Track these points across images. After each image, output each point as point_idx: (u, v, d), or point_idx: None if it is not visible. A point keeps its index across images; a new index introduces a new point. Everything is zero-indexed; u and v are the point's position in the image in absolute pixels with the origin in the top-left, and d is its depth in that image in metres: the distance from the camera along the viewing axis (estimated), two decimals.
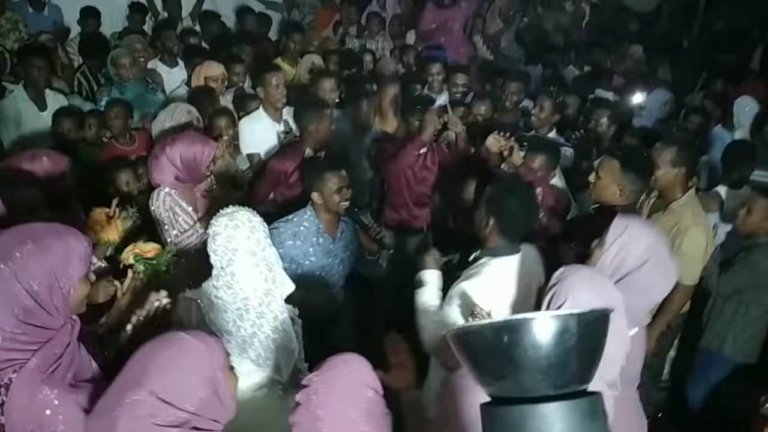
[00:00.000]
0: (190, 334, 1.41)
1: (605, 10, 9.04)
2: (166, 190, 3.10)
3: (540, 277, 2.45)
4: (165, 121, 3.90)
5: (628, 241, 2.17)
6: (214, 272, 2.22)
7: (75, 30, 6.02)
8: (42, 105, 4.40)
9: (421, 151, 3.80)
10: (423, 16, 6.85)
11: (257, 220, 2.26)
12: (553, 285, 1.87)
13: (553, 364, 0.71)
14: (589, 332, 0.73)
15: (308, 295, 2.53)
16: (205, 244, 2.31)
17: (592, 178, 2.97)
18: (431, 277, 2.49)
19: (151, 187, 3.20)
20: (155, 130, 3.93)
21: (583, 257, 2.31)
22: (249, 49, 5.32)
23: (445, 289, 2.46)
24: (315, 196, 3.03)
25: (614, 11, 9.06)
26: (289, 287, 2.35)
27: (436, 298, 2.45)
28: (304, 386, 1.47)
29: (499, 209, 2.38)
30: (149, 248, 2.54)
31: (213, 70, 4.64)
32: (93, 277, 1.71)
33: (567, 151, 4.00)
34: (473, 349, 0.76)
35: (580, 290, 1.83)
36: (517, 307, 2.34)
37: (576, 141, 4.39)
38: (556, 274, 1.92)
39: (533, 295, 2.37)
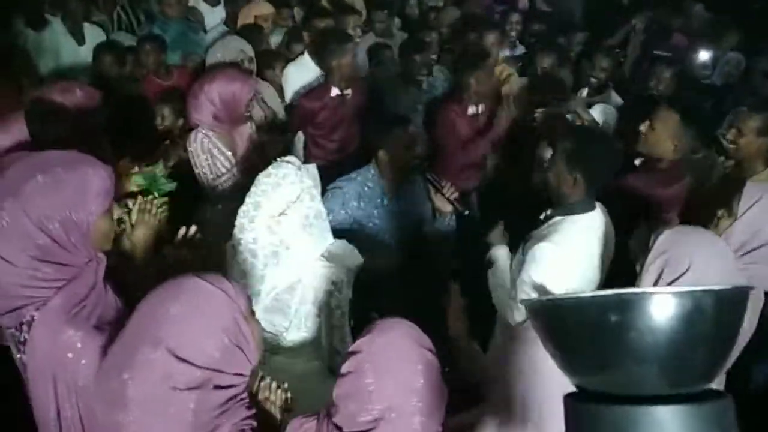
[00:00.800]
0: (205, 278, 1.25)
1: None
2: (204, 131, 2.98)
3: (612, 238, 2.28)
4: (216, 53, 3.82)
5: (763, 210, 2.00)
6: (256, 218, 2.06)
7: None
8: (80, 39, 4.30)
9: (473, 111, 3.57)
10: None
11: (311, 174, 2.12)
12: (664, 250, 1.72)
13: (676, 355, 0.53)
14: (725, 315, 0.55)
15: (372, 262, 2.34)
16: (240, 189, 2.17)
17: (643, 128, 2.73)
18: (502, 253, 2.36)
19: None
20: (208, 63, 3.86)
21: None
22: None
23: None
24: (381, 153, 2.80)
25: None
26: (352, 259, 2.17)
27: (509, 275, 2.31)
28: (352, 353, 1.34)
29: (586, 161, 2.17)
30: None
31: (263, 8, 4.59)
32: (116, 211, 1.59)
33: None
34: (564, 329, 0.58)
35: (705, 257, 1.69)
36: (602, 269, 2.19)
37: (632, 100, 4.11)
38: (664, 237, 1.77)
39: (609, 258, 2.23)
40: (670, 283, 1.70)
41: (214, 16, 5.08)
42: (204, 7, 5.12)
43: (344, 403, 1.29)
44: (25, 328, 1.39)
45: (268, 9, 4.59)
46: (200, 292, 1.22)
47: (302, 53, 4.12)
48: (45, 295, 1.39)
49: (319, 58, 3.76)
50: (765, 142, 2.88)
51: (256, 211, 1.83)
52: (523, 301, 0.66)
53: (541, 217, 2.27)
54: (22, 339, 1.40)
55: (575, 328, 0.58)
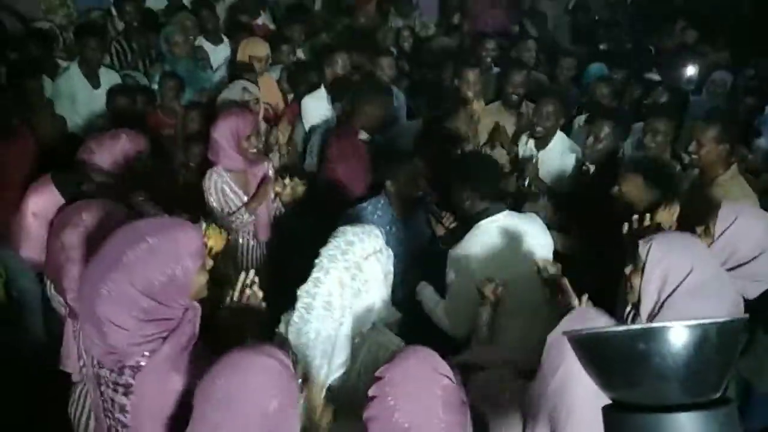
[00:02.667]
0: (261, 353, 1.38)
1: None
2: (218, 170, 3.17)
3: (543, 242, 2.69)
4: (225, 98, 3.99)
5: (739, 231, 2.17)
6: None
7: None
8: (96, 82, 4.48)
9: None
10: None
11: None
12: (661, 258, 1.89)
13: (691, 373, 0.70)
14: (727, 340, 0.72)
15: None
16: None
17: (614, 192, 2.91)
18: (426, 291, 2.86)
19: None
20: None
21: None
22: (298, 27, 5.33)
23: None
24: (388, 184, 3.04)
25: None
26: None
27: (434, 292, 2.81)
28: (378, 378, 1.46)
29: (465, 177, 2.72)
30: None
31: (258, 49, 4.65)
32: (210, 262, 1.70)
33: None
34: (601, 356, 0.75)
35: (702, 258, 1.89)
36: (511, 267, 2.51)
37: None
38: (656, 245, 1.93)
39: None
40: (677, 287, 1.87)
41: (218, 55, 5.28)
42: (208, 46, 5.33)
43: (372, 425, 1.42)
44: (128, 371, 1.53)
45: (263, 49, 4.65)
46: (256, 368, 1.35)
47: (318, 86, 4.22)
48: (152, 348, 1.54)
49: (348, 101, 3.76)
50: (723, 148, 3.07)
51: (331, 264, 1.92)
52: (565, 333, 0.81)
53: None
54: (122, 382, 1.54)
55: (611, 355, 0.74)
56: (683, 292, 1.89)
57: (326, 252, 1.92)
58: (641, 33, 7.03)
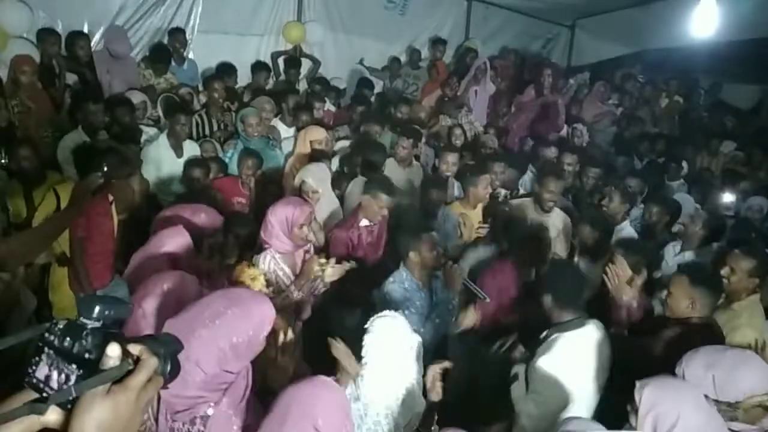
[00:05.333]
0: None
1: (701, 104, 9.15)
2: (271, 252, 3.39)
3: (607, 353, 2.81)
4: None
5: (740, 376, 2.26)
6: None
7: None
8: (179, 152, 5.03)
9: None
10: (523, 99, 7.22)
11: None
12: (653, 405, 2.04)
13: None
14: None
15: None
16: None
17: (663, 295, 3.14)
18: (520, 370, 2.96)
19: None
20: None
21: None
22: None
23: None
24: (412, 255, 3.44)
25: (710, 106, 9.17)
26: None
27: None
28: None
29: (552, 286, 2.90)
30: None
31: (317, 134, 5.17)
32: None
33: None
34: None
35: (691, 409, 2.02)
36: (597, 378, 2.68)
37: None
38: (649, 392, 2.07)
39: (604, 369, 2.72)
40: None
41: (291, 136, 5.79)
42: (282, 128, 5.89)
43: None
44: (198, 421, 1.87)
45: (321, 134, 5.15)
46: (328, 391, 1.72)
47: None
48: (216, 399, 1.87)
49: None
50: (752, 282, 3.30)
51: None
52: None
53: (541, 337, 2.90)
54: (195, 430, 1.88)
55: None
56: None
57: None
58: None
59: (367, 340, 2.48)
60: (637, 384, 2.13)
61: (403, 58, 8.12)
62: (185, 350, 1.83)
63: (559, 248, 4.35)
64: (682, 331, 2.89)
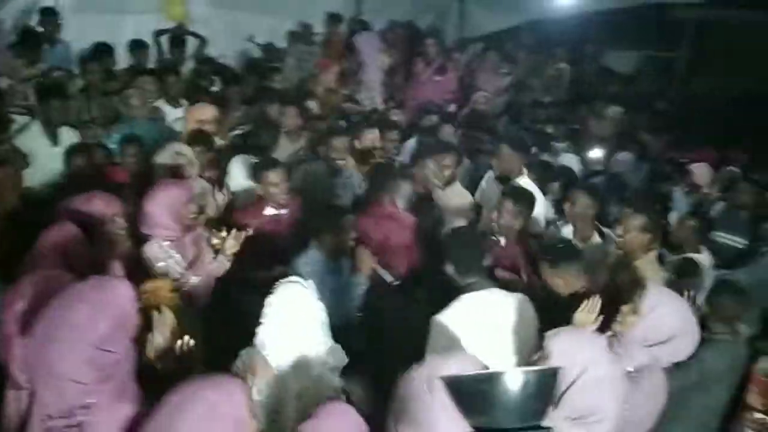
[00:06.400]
0: (214, 387, 1.59)
1: (587, 71, 9.56)
2: (157, 241, 3.23)
3: (528, 322, 2.83)
4: (158, 161, 4.15)
5: (662, 315, 2.54)
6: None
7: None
8: (55, 140, 4.68)
9: None
10: (415, 71, 7.24)
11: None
12: (565, 352, 2.10)
13: (520, 406, 1.00)
14: (545, 382, 1.03)
15: None
16: None
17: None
18: None
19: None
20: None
21: None
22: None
23: None
24: (323, 235, 3.44)
25: (595, 72, 9.60)
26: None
27: None
28: None
29: (451, 254, 2.96)
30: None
31: (204, 112, 4.91)
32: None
33: None
34: (460, 393, 1.05)
35: (593, 357, 2.14)
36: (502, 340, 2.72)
37: None
38: (556, 339, 2.17)
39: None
40: (571, 384, 1.99)
41: (175, 117, 5.52)
42: (167, 109, 5.60)
43: None
44: (78, 411, 1.74)
45: (208, 112, 4.88)
46: (209, 400, 1.56)
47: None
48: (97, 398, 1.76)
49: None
50: (646, 237, 3.50)
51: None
52: (442, 378, 1.12)
53: None
54: (74, 422, 1.74)
55: (466, 392, 1.04)
56: (577, 389, 2.05)
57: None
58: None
59: (269, 301, 2.45)
60: (547, 334, 2.21)
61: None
62: (53, 366, 1.72)
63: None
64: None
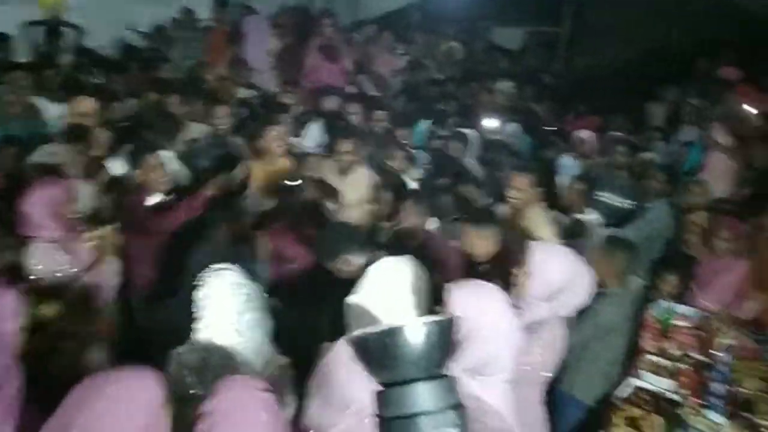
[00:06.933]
0: (129, 374, 1.49)
1: (477, 48, 9.86)
2: (40, 243, 3.04)
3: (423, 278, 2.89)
4: (34, 161, 3.91)
5: (551, 270, 2.67)
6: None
7: None
8: None
9: None
10: (308, 54, 7.17)
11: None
12: (462, 302, 2.19)
13: (420, 356, 1.01)
14: (442, 332, 1.05)
15: None
16: None
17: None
18: None
19: None
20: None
21: None
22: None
23: None
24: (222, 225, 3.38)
25: (485, 49, 9.92)
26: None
27: None
28: (203, 414, 1.55)
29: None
30: None
31: (84, 105, 4.60)
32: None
33: None
34: (364, 350, 1.05)
35: (491, 309, 2.21)
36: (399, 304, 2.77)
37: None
38: (457, 292, 2.23)
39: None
40: (469, 333, 2.10)
41: (54, 114, 5.17)
42: (44, 104, 5.22)
43: None
44: None
45: (88, 105, 4.59)
46: (123, 388, 1.46)
47: None
48: None
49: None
50: (535, 193, 3.85)
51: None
52: (348, 339, 1.14)
53: None
54: None
55: (369, 348, 1.04)
56: (475, 339, 2.13)
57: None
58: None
59: (199, 295, 2.29)
60: (447, 287, 2.25)
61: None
62: None
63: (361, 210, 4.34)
64: None
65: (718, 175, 5.35)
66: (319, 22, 7.21)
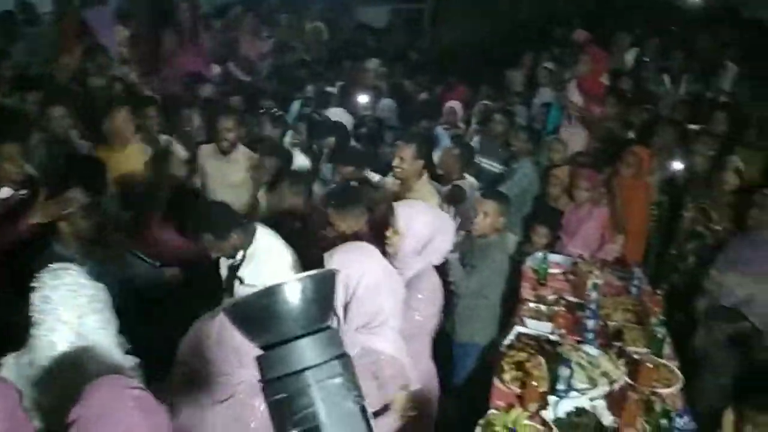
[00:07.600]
0: None
1: (343, 28, 9.87)
2: None
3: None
4: None
5: (417, 224, 2.82)
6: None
7: None
8: None
9: None
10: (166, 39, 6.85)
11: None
12: (344, 266, 2.27)
13: (301, 315, 1.01)
14: (323, 286, 1.05)
15: None
16: None
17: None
18: None
19: None
20: None
21: None
22: None
23: None
24: (62, 225, 3.11)
25: (351, 28, 9.95)
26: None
27: None
28: (71, 422, 1.48)
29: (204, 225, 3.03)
30: None
31: None
32: None
33: None
34: (243, 315, 1.04)
35: (372, 268, 2.36)
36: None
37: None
38: (337, 257, 2.36)
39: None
40: (355, 290, 2.28)
41: None
42: None
43: None
44: None
45: None
46: None
47: None
48: None
49: None
50: (419, 164, 3.91)
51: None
52: (223, 309, 1.11)
53: None
54: None
55: (248, 312, 1.03)
56: (358, 297, 2.30)
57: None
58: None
59: (35, 298, 2.06)
60: (325, 255, 2.36)
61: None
62: None
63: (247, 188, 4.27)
64: None
65: (575, 131, 5.76)
66: (175, 7, 6.88)
